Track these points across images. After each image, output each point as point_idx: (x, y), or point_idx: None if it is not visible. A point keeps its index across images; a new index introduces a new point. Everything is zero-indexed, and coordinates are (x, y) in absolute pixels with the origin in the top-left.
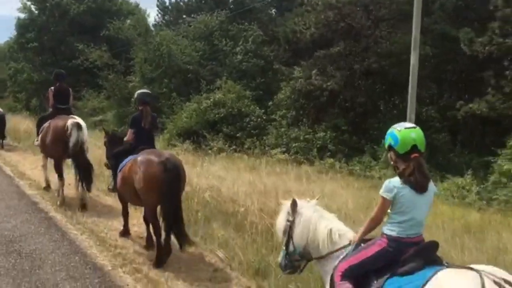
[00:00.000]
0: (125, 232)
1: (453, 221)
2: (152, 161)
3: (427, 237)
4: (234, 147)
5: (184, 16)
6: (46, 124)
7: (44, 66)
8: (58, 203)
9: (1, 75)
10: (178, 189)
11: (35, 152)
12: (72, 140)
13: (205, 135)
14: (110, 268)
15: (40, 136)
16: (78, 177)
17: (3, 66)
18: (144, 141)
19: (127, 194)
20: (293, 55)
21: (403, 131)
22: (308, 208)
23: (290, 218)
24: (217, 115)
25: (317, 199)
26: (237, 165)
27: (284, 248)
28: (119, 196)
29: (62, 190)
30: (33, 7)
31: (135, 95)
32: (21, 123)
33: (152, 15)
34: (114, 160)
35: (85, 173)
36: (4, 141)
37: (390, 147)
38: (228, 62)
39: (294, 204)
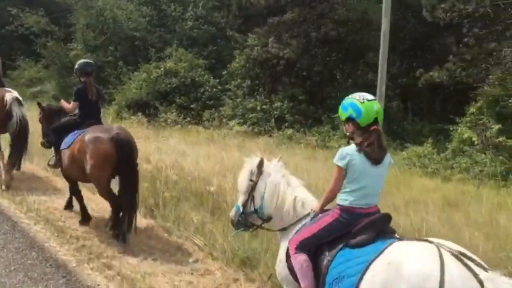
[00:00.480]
0: (85, 219)
1: (430, 194)
2: (101, 138)
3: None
4: (188, 119)
5: None
6: None
7: None
8: (3, 186)
9: None
10: (133, 162)
11: None
12: (15, 117)
13: (157, 107)
14: (75, 264)
15: None
16: (13, 153)
17: None
18: (91, 114)
19: (76, 173)
20: (244, 22)
21: (367, 104)
22: (276, 172)
23: (254, 178)
24: (169, 85)
25: (278, 161)
26: (195, 138)
27: (241, 206)
28: (65, 174)
29: (4, 166)
30: None
31: (76, 66)
32: None
33: None
34: (55, 135)
35: (17, 149)
36: None
37: (350, 119)
38: (178, 28)
39: (260, 164)
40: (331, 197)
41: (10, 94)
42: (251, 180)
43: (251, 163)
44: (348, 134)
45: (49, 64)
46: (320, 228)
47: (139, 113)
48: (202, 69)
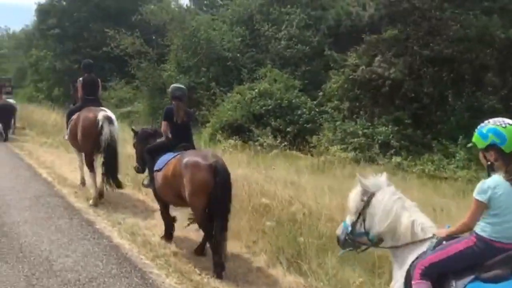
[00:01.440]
0: (168, 237)
1: None
2: (199, 164)
3: None
4: (286, 143)
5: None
6: (74, 117)
7: (67, 54)
8: (91, 202)
9: (17, 63)
10: (229, 192)
11: (68, 148)
12: (104, 135)
13: (251, 129)
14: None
15: (69, 128)
16: (105, 170)
17: (20, 54)
18: (181, 137)
19: (169, 196)
20: (335, 41)
21: (510, 128)
22: (391, 193)
23: (366, 198)
24: (264, 107)
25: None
26: (298, 165)
27: (349, 226)
28: (157, 195)
29: (96, 183)
30: None
31: (169, 89)
32: (46, 116)
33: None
34: (149, 155)
35: (110, 166)
36: (11, 132)
37: (492, 146)
38: (271, 48)
39: (375, 184)
40: (463, 231)
41: (103, 113)
42: (362, 200)
43: (364, 181)
44: (488, 163)
45: (140, 85)
46: (449, 255)
47: (235, 136)
48: (297, 90)
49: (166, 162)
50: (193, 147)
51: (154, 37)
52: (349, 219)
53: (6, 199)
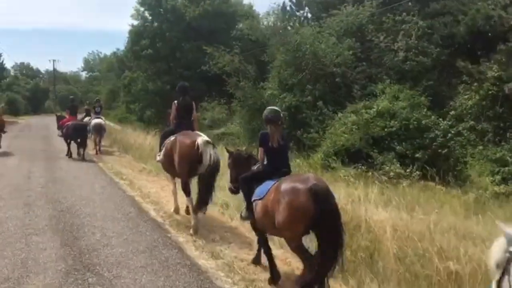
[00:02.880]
0: (275, 277)
1: None
2: (297, 189)
3: None
4: (417, 172)
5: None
6: (170, 140)
7: (159, 74)
8: (192, 231)
9: (109, 85)
10: (335, 218)
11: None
12: (206, 159)
13: (370, 155)
14: None
15: (163, 152)
16: (200, 197)
17: (111, 76)
18: (279, 162)
19: (269, 226)
20: (458, 50)
21: None
22: None
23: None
24: (386, 129)
25: None
26: (443, 201)
27: (495, 285)
28: (256, 227)
29: (193, 208)
30: (147, 13)
31: (264, 113)
32: (141, 138)
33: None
34: (246, 185)
35: (206, 192)
36: (84, 151)
37: None
38: (388, 61)
39: None
40: None
41: (202, 138)
42: (509, 252)
43: (509, 231)
44: None
45: (239, 105)
46: None
47: (353, 163)
48: (425, 108)
49: (267, 190)
50: (290, 173)
51: (252, 54)
52: (495, 279)
53: (116, 253)
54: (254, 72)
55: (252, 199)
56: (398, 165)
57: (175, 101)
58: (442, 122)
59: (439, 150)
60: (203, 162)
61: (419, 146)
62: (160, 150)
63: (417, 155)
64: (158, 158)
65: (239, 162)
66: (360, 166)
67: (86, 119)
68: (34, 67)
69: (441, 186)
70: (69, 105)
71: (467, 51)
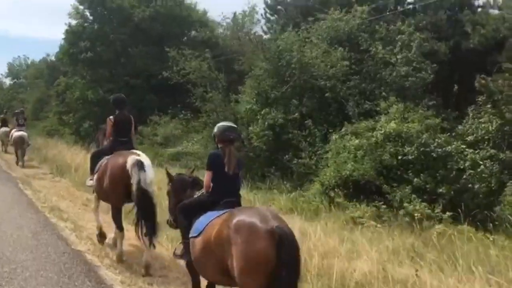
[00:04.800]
0: None
1: None
2: (256, 227)
3: None
4: (448, 213)
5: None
6: (102, 161)
7: (100, 82)
8: (115, 257)
9: (36, 93)
10: (297, 273)
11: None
12: (134, 182)
13: (380, 188)
14: None
15: (95, 176)
16: (140, 229)
17: (39, 83)
18: (229, 191)
19: (211, 272)
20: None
21: None
22: None
23: None
24: (399, 157)
25: None
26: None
27: None
28: (192, 270)
29: (121, 244)
30: (87, 12)
31: (215, 130)
32: (80, 157)
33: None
34: (184, 216)
35: (148, 223)
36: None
37: None
38: (387, 76)
39: None
40: None
41: (133, 157)
42: None
43: None
44: None
45: (199, 120)
46: None
47: (365, 199)
48: (442, 132)
49: (207, 223)
50: (240, 205)
51: (220, 61)
52: None
53: None
54: (225, 82)
55: (190, 235)
56: (419, 202)
57: (111, 117)
58: (467, 150)
59: (469, 185)
60: (132, 185)
61: (442, 179)
62: (92, 173)
63: (440, 190)
64: (89, 182)
65: (181, 189)
66: (376, 203)
67: (2, 129)
68: None
69: (481, 232)
70: None
71: (475, 67)
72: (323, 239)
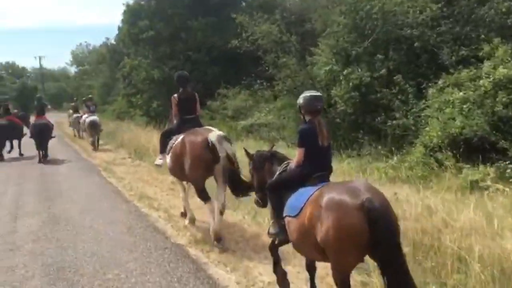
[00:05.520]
0: None
1: None
2: (346, 204)
3: None
4: None
5: None
6: (176, 141)
7: (163, 60)
8: (213, 238)
9: (101, 78)
10: (396, 243)
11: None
12: (222, 155)
13: (497, 146)
14: None
15: (169, 156)
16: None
17: (103, 68)
18: (321, 166)
19: (308, 250)
20: None
21: None
22: None
23: None
24: None
25: None
26: None
27: None
28: (273, 247)
29: (219, 218)
30: None
31: (300, 100)
32: (155, 138)
33: None
34: (275, 195)
35: (238, 186)
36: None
37: None
38: (484, 15)
39: None
40: None
41: (214, 133)
42: None
43: None
44: None
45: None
46: None
47: (478, 160)
48: None
49: (303, 203)
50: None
51: (290, 23)
52: None
53: None
54: (298, 45)
55: (284, 213)
56: None
57: (175, 95)
58: None
59: None
60: (220, 161)
61: None
62: (161, 152)
63: None
64: (159, 161)
65: (260, 165)
66: (499, 163)
67: (74, 116)
68: (20, 66)
69: None
70: (36, 105)
71: None
72: (452, 212)
